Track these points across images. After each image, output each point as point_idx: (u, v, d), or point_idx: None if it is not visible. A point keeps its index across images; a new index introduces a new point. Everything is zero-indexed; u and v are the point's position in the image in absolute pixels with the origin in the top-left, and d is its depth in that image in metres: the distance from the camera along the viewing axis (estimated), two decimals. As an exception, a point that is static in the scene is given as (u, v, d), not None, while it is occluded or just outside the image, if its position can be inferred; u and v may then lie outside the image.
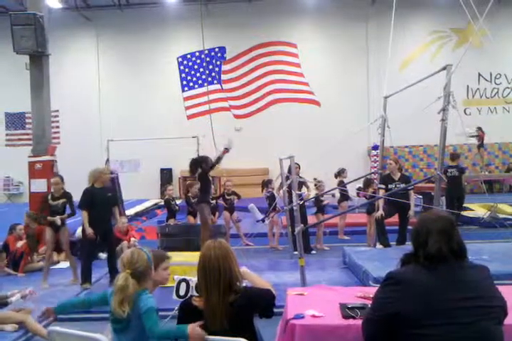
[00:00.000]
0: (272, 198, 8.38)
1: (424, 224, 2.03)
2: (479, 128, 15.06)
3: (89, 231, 6.30)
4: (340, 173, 9.17)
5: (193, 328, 2.31)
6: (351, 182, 8.91)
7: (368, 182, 8.66)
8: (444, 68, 5.44)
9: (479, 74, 17.69)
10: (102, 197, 6.41)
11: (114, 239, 6.96)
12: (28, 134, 15.13)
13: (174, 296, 3.34)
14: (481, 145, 15.51)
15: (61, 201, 6.68)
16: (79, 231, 8.38)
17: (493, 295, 2.00)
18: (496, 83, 17.82)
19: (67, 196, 6.75)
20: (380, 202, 7.26)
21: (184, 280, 3.84)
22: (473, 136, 14.75)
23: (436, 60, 16.23)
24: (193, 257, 5.26)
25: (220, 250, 2.39)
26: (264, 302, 2.42)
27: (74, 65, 18.20)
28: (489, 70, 17.59)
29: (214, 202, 9.09)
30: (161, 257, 2.93)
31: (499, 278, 4.41)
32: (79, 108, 17.90)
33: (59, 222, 6.83)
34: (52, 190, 6.84)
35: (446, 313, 1.89)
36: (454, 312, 1.89)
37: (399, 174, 7.59)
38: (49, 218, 6.69)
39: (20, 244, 7.46)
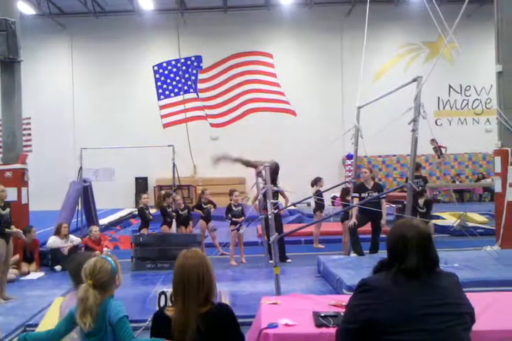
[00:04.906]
0: (228, 209, 8.34)
1: (402, 235, 2.04)
2: (433, 140, 15.29)
3: None
4: (316, 182, 9.24)
5: None
6: (327, 190, 8.99)
7: (346, 192, 8.77)
8: (415, 80, 5.58)
9: (450, 86, 18.17)
10: None
11: None
12: (-2, 142, 14.78)
13: (156, 308, 3.35)
14: (440, 155, 15.76)
15: (8, 210, 6.23)
16: (50, 241, 8.22)
17: (462, 302, 2.04)
18: (465, 95, 18.32)
19: (10, 205, 6.38)
20: (354, 211, 7.34)
21: (163, 292, 3.86)
22: (435, 149, 14.96)
23: (409, 71, 16.60)
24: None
25: (198, 259, 2.37)
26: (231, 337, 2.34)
27: (47, 72, 17.91)
28: (459, 82, 18.08)
29: (185, 212, 9.09)
30: None
31: (469, 285, 4.51)
32: (52, 115, 17.59)
33: (23, 236, 6.59)
34: None
35: (418, 319, 1.92)
36: (426, 318, 1.92)
37: (372, 183, 7.70)
38: (7, 230, 6.09)
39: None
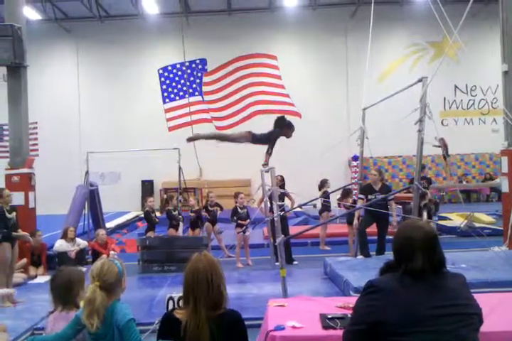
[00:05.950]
0: (234, 211, 8.36)
1: (408, 236, 2.04)
2: (442, 139, 15.14)
3: None
4: (323, 184, 9.24)
5: None
6: (333, 192, 8.98)
7: (346, 193, 8.75)
8: (420, 80, 5.56)
9: (455, 86, 18.08)
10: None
11: None
12: (5, 146, 14.86)
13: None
14: (447, 155, 15.66)
15: (14, 214, 6.32)
16: (57, 245, 8.25)
17: (470, 302, 2.03)
18: (471, 95, 18.23)
19: (16, 209, 6.45)
20: (357, 212, 7.33)
21: (171, 298, 3.90)
22: (437, 146, 14.82)
23: (414, 72, 16.55)
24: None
25: (209, 262, 2.37)
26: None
27: (53, 77, 18.03)
28: (465, 82, 18.00)
29: (194, 214, 9.09)
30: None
31: (477, 286, 4.49)
32: (58, 120, 17.70)
33: (30, 239, 6.62)
34: (2, 204, 6.23)
35: (425, 321, 1.91)
36: (434, 319, 1.91)
37: (380, 184, 7.68)
38: (14, 234, 6.18)
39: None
